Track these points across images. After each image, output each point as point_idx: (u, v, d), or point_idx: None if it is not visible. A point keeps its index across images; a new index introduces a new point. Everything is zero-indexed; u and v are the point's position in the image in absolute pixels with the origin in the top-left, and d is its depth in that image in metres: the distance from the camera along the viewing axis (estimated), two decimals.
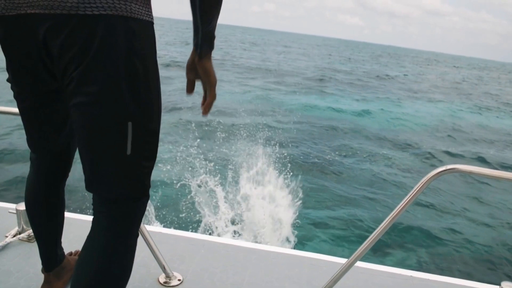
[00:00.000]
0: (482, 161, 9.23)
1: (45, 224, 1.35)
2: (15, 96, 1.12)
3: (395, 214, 1.40)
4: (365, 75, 27.94)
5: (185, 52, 28.00)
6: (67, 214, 1.44)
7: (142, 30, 0.96)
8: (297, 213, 5.06)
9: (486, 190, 7.26)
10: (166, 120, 8.52)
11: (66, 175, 1.33)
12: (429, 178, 1.35)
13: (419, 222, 5.53)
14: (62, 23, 0.90)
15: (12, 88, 1.10)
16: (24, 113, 1.15)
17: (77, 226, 1.84)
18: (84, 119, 0.96)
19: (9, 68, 1.06)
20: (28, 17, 0.92)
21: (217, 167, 6.24)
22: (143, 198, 1.09)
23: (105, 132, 0.97)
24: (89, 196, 1.08)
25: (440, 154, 9.42)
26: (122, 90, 0.95)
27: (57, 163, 1.27)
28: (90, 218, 1.10)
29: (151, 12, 1.00)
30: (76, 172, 1.28)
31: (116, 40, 0.92)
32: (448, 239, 5.25)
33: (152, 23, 1.01)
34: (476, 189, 7.26)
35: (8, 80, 1.09)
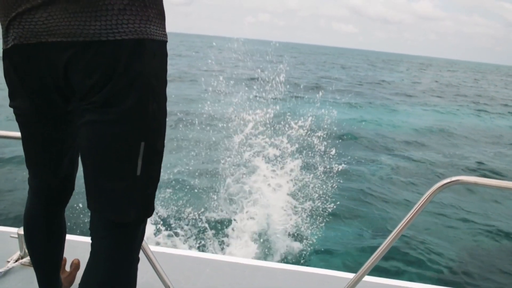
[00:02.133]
0: (480, 164, 9.22)
1: (45, 252, 1.32)
2: (19, 121, 1.10)
3: (401, 227, 1.39)
4: (361, 81, 28.04)
5: (177, 63, 28.11)
6: (68, 237, 1.42)
7: (159, 50, 0.97)
8: (299, 227, 4.99)
9: (487, 195, 7.22)
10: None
11: (67, 201, 1.30)
12: (434, 191, 1.34)
13: (424, 232, 5.46)
14: (84, 49, 0.89)
15: (16, 112, 1.09)
16: (28, 137, 1.13)
17: (79, 249, 1.82)
18: (99, 137, 0.95)
19: (19, 94, 1.04)
20: (49, 46, 0.91)
21: (212, 178, 6.20)
22: (145, 221, 1.07)
23: (120, 151, 0.95)
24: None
25: (438, 157, 9.41)
26: (145, 110, 0.95)
27: (58, 188, 1.25)
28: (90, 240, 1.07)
29: (165, 31, 1.00)
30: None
31: (139, 62, 0.92)
32: (453, 249, 5.17)
33: (166, 42, 1.01)
34: (479, 195, 7.21)
35: (11, 106, 1.08)
